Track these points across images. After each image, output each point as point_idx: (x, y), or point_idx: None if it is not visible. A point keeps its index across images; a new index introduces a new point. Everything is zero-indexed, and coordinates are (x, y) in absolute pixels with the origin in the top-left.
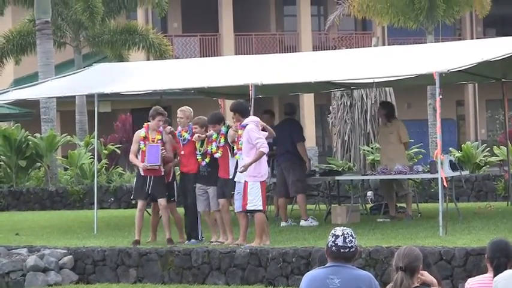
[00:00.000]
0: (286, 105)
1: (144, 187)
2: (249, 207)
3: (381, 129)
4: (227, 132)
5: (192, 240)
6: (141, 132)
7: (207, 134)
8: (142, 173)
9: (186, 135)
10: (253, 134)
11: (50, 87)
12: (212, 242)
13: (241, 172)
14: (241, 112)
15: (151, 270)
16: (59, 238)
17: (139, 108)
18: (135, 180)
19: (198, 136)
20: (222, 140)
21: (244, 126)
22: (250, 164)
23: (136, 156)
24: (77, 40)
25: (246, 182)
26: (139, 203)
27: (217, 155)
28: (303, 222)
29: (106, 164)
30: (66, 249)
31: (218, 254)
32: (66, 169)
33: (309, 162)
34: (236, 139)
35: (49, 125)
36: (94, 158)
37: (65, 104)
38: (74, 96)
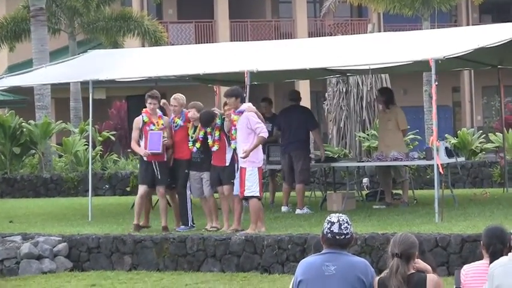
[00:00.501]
0: (292, 92)
1: (148, 172)
2: (246, 194)
3: (380, 115)
4: (222, 124)
5: (182, 227)
6: (143, 118)
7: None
8: (145, 159)
9: (179, 121)
10: (253, 119)
11: (44, 74)
12: (208, 228)
13: (243, 158)
14: (241, 97)
15: (146, 258)
16: (53, 225)
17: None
18: (139, 165)
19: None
20: (217, 133)
21: (241, 112)
22: (252, 149)
23: (139, 143)
24: (71, 27)
25: (243, 168)
26: (141, 188)
27: (214, 149)
28: (298, 211)
29: (101, 151)
30: (61, 236)
31: (213, 241)
32: (60, 156)
33: (323, 150)
34: (230, 128)
35: (43, 112)
36: (89, 145)
37: (60, 91)
38: (69, 83)
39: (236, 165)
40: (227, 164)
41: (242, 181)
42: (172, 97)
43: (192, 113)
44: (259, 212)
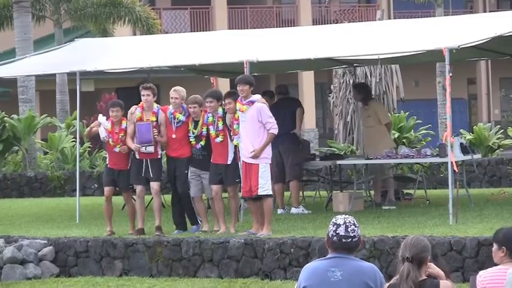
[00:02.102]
0: (280, 86)
1: (140, 171)
2: (261, 192)
3: (360, 112)
4: (225, 114)
5: (193, 227)
6: (136, 112)
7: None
8: (137, 156)
9: (181, 117)
10: (266, 112)
11: (28, 64)
12: (204, 230)
13: (253, 158)
14: (253, 86)
15: (138, 262)
16: (38, 228)
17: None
18: (130, 164)
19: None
20: (220, 123)
21: (252, 102)
22: (263, 149)
23: (133, 139)
24: (57, 13)
25: (248, 164)
26: (138, 189)
27: (218, 140)
28: (293, 210)
29: (89, 147)
30: (46, 239)
31: (210, 245)
32: (46, 153)
33: (299, 129)
34: (231, 123)
35: (27, 106)
36: (76, 141)
37: (45, 83)
38: (54, 75)
39: (239, 164)
40: (229, 162)
41: (254, 179)
42: (173, 89)
43: (193, 108)
44: (272, 212)
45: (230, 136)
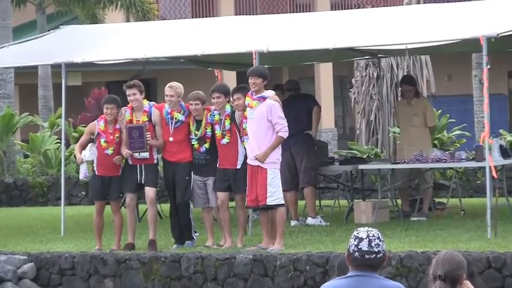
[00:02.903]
0: (290, 82)
1: (132, 177)
2: (270, 202)
3: (401, 108)
4: (233, 113)
5: (188, 242)
6: (125, 114)
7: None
8: (130, 162)
9: (180, 116)
10: (277, 112)
11: (6, 55)
12: (208, 245)
13: (259, 160)
14: (267, 79)
15: (131, 281)
16: (17, 241)
17: (117, 81)
18: (121, 170)
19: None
20: (228, 122)
21: (263, 98)
22: (269, 153)
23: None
24: None
25: (254, 168)
26: (128, 197)
27: (224, 141)
28: (310, 220)
29: None
30: (27, 255)
31: (214, 261)
32: (26, 156)
33: (316, 130)
34: (240, 121)
35: (5, 102)
36: (61, 143)
37: (25, 76)
38: (37, 67)
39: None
40: (238, 166)
41: (262, 186)
42: (167, 86)
43: (195, 105)
44: (285, 223)
45: (240, 137)
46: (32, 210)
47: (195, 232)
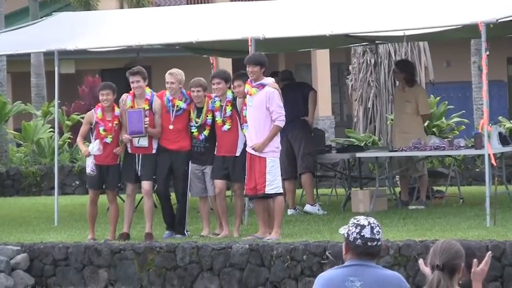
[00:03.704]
0: (285, 72)
1: (132, 167)
2: (269, 190)
3: (396, 95)
4: (234, 98)
5: (178, 236)
6: (127, 100)
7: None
8: (129, 150)
9: (181, 104)
10: (276, 100)
11: None
12: (205, 234)
13: (257, 151)
14: (265, 67)
15: (126, 272)
16: (10, 231)
17: (111, 68)
18: (119, 159)
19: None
20: (229, 109)
21: (262, 86)
22: (267, 143)
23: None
24: None
25: (253, 157)
26: (128, 187)
27: (225, 128)
28: (308, 208)
29: (69, 138)
30: (20, 245)
31: (210, 251)
32: (19, 145)
33: (312, 116)
34: (240, 109)
35: None
36: (54, 131)
37: (18, 64)
38: (29, 55)
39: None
40: (237, 154)
41: (261, 175)
42: (168, 72)
43: (197, 92)
44: (283, 212)
45: (241, 124)
46: (25, 200)
47: (187, 231)
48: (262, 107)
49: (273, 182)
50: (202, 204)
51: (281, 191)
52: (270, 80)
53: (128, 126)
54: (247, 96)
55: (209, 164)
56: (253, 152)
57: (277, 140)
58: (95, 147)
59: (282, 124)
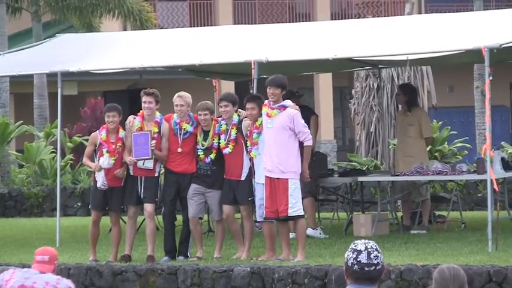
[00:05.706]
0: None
1: (134, 190)
2: (292, 213)
3: (399, 118)
4: (240, 122)
5: (181, 258)
6: (135, 122)
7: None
8: (132, 173)
9: (188, 127)
10: (300, 121)
11: (1, 63)
12: (199, 257)
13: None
14: (285, 89)
15: None
16: (12, 252)
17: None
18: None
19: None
20: (234, 132)
21: (284, 107)
22: (307, 164)
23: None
24: (35, 5)
25: (273, 180)
26: (130, 209)
27: (226, 151)
28: (310, 231)
29: (71, 160)
30: (21, 266)
31: (211, 274)
32: (21, 166)
33: (315, 142)
34: (249, 132)
35: (0, 111)
36: (57, 153)
37: (21, 85)
38: (32, 76)
39: (253, 181)
40: (243, 178)
41: (283, 197)
42: (177, 95)
43: (204, 116)
44: (305, 234)
45: (246, 147)
46: (26, 221)
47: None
48: (285, 128)
49: (296, 205)
50: (195, 225)
51: (303, 213)
52: (290, 102)
53: (134, 149)
54: (266, 118)
55: (215, 189)
56: (273, 175)
57: (298, 162)
58: (105, 160)
59: (311, 143)
